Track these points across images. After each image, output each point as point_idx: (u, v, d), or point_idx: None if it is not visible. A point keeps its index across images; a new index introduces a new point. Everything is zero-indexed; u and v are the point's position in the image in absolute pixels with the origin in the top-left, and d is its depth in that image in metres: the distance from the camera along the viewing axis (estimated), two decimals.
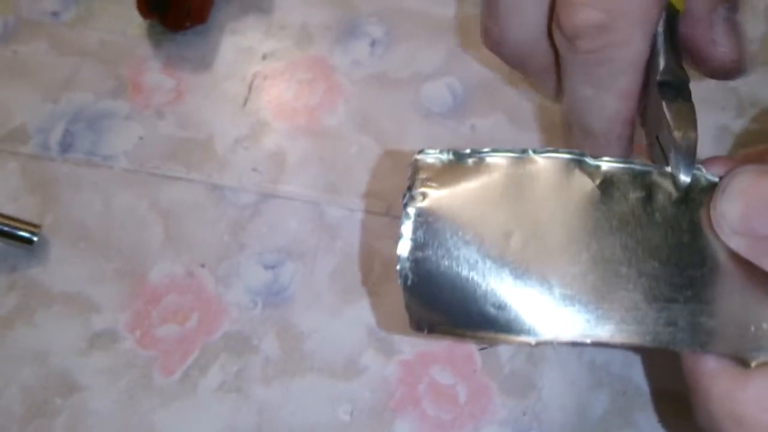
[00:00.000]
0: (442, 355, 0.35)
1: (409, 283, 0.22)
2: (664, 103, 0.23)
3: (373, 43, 0.43)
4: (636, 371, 0.34)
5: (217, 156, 0.40)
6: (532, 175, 0.23)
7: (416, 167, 0.23)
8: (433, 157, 0.23)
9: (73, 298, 0.36)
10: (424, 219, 0.22)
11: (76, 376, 0.34)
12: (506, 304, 0.21)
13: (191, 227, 0.38)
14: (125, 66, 0.43)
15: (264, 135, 0.41)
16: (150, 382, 0.34)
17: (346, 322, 0.35)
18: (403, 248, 0.22)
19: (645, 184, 0.22)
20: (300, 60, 0.43)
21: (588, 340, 0.21)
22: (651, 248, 0.22)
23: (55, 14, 0.44)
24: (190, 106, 0.41)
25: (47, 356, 0.35)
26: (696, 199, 0.22)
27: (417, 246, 0.22)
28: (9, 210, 0.37)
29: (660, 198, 0.22)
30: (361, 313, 0.36)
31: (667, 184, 0.22)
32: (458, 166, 0.23)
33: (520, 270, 0.21)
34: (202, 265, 0.37)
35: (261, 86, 0.42)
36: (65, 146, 0.40)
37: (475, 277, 0.21)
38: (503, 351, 0.35)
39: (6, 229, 0.36)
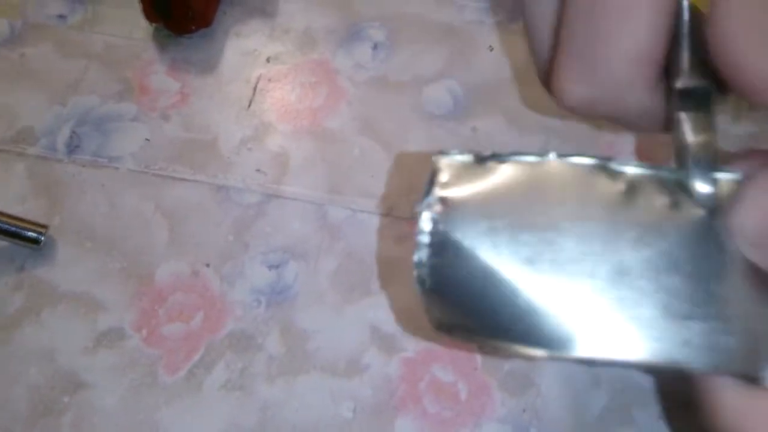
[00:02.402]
0: (443, 354, 0.35)
1: (427, 287, 0.21)
2: (681, 112, 0.22)
3: (375, 47, 0.44)
4: (634, 370, 0.35)
5: (222, 157, 0.40)
6: (553, 180, 0.21)
7: (435, 169, 0.22)
8: (452, 159, 0.22)
9: (79, 297, 0.36)
10: (442, 224, 0.21)
11: (82, 375, 0.35)
12: (520, 316, 0.20)
13: (196, 227, 0.38)
14: (131, 69, 0.43)
15: (268, 137, 0.41)
16: (155, 380, 0.34)
17: (349, 321, 0.36)
18: (421, 254, 0.21)
19: (671, 191, 0.21)
20: (303, 63, 0.43)
21: (600, 358, 0.20)
22: (673, 261, 0.20)
23: (61, 17, 0.45)
24: (195, 108, 0.42)
25: (54, 355, 0.35)
26: (722, 206, 0.20)
27: (434, 252, 0.21)
28: (16, 211, 0.38)
29: (686, 206, 0.21)
30: (364, 311, 0.36)
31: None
32: (478, 169, 0.22)
33: (536, 281, 0.20)
34: (207, 265, 0.37)
35: (265, 89, 0.43)
36: (72, 148, 0.41)
37: (491, 286, 0.21)
38: None
39: (13, 229, 0.37)
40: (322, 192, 0.39)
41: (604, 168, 0.21)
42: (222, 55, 0.44)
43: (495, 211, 0.21)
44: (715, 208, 0.21)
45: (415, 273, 0.21)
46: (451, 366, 0.35)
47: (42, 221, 0.37)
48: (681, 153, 0.22)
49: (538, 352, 0.20)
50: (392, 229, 0.38)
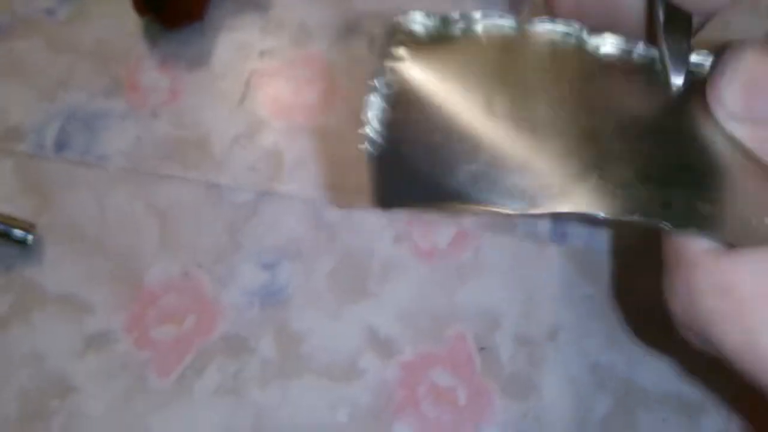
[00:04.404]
0: (442, 357, 0.34)
1: (375, 152, 0.20)
2: (660, 7, 0.22)
3: (371, 41, 0.43)
4: (639, 373, 0.34)
5: (214, 155, 0.39)
6: (524, 46, 0.21)
7: (395, 27, 0.21)
8: (418, 22, 0.21)
9: (68, 299, 0.36)
10: (401, 78, 0.20)
11: (71, 378, 0.34)
12: (484, 175, 0.19)
13: (188, 227, 0.37)
14: (121, 64, 0.42)
15: (261, 133, 0.40)
16: (146, 384, 0.34)
17: (345, 324, 0.35)
18: (372, 111, 0.20)
19: (646, 69, 0.21)
20: (298, 58, 0.43)
21: (573, 210, 0.19)
22: (648, 129, 0.20)
23: (50, 12, 0.44)
24: (186, 104, 0.41)
25: (42, 358, 0.34)
26: (699, 85, 0.21)
27: (387, 108, 0.20)
28: (3, 209, 0.37)
29: (661, 83, 0.21)
30: (360, 314, 0.35)
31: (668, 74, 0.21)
32: (444, 32, 0.21)
33: (501, 140, 0.19)
34: (199, 266, 0.36)
35: (258, 84, 0.42)
36: (60, 145, 0.40)
37: (452, 145, 0.19)
38: (503, 352, 0.34)
39: (0, 228, 0.36)
40: (317, 190, 0.38)
41: (579, 38, 0.21)
42: (214, 49, 0.43)
43: (465, 67, 0.20)
44: (693, 87, 0.21)
45: (365, 131, 0.20)
46: (450, 370, 0.34)
47: (30, 221, 0.37)
48: (657, 40, 0.22)
49: (500, 209, 0.19)
50: (389, 229, 0.37)
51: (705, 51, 0.21)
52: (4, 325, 0.35)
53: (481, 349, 0.34)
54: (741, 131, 0.20)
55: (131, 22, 0.43)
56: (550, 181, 0.19)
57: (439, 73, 0.20)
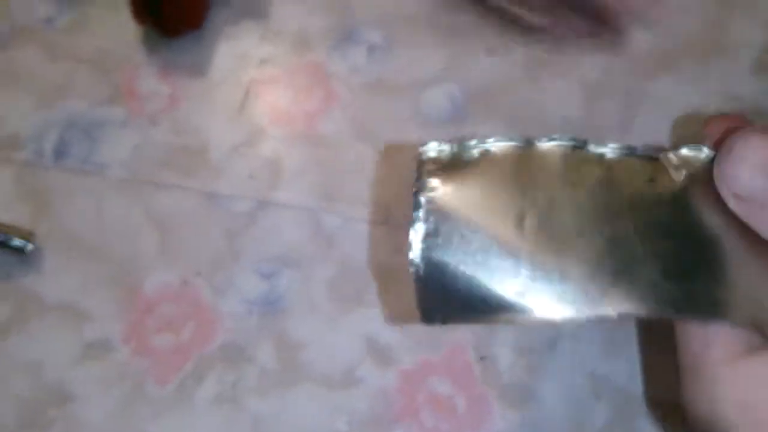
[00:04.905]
0: (440, 366, 0.34)
1: (421, 273, 0.21)
2: None
3: (371, 49, 0.43)
4: (637, 382, 0.34)
5: (213, 163, 0.39)
6: (538, 162, 0.23)
7: (421, 159, 0.23)
8: (437, 149, 0.23)
9: (67, 307, 0.36)
10: (435, 206, 0.22)
11: (69, 387, 0.34)
12: (526, 289, 0.21)
13: (186, 236, 0.37)
14: (120, 73, 0.42)
15: (260, 142, 0.40)
16: (144, 393, 0.34)
17: (344, 332, 0.35)
18: (415, 237, 0.21)
19: (649, 168, 0.23)
20: (297, 66, 0.43)
21: (613, 314, 0.21)
22: (662, 228, 0.22)
23: (49, 21, 0.44)
24: (185, 112, 0.41)
25: (41, 366, 0.34)
26: (699, 176, 0.22)
27: (428, 234, 0.21)
28: (2, 218, 0.37)
29: (665, 179, 0.23)
30: (359, 322, 0.35)
31: (670, 167, 0.23)
32: (463, 156, 0.23)
33: (537, 254, 0.21)
34: (198, 274, 0.36)
35: (257, 92, 0.42)
36: (59, 154, 0.40)
37: (492, 264, 0.21)
38: (502, 361, 0.34)
39: None
40: (316, 199, 0.38)
41: (584, 149, 0.23)
42: (213, 58, 0.43)
43: (490, 186, 0.22)
44: (694, 179, 0.23)
45: (410, 257, 0.21)
46: (449, 378, 0.34)
47: (29, 229, 0.37)
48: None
49: (547, 319, 0.21)
50: (388, 238, 0.37)
51: (698, 145, 0.23)
52: (2, 333, 0.35)
53: (480, 358, 0.34)
54: (742, 208, 0.21)
55: (130, 30, 0.43)
56: (589, 287, 0.21)
57: (470, 195, 0.22)
